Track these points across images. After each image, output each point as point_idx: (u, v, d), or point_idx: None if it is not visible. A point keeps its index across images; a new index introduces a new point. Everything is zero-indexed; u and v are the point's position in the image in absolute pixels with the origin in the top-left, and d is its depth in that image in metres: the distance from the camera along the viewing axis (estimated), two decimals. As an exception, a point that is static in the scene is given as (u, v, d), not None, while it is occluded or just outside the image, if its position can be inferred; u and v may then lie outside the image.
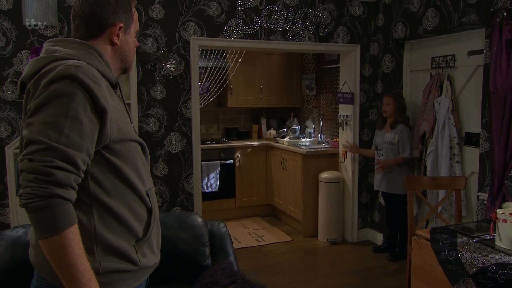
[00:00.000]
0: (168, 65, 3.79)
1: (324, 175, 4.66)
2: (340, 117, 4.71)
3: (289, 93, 5.96)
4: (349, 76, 4.57)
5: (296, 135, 5.42)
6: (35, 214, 1.08)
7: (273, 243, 4.65)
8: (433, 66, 3.93)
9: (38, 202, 1.07)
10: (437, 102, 3.72)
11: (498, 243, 2.23)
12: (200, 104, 4.98)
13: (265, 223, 5.39)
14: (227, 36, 3.94)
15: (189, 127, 3.92)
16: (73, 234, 1.11)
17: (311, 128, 5.57)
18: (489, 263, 2.04)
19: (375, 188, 4.28)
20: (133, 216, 1.29)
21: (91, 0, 1.29)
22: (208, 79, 5.30)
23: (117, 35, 1.33)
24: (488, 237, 2.35)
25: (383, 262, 4.12)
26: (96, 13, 1.29)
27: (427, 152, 3.78)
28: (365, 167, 4.66)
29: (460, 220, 3.16)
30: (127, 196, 1.29)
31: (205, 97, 5.46)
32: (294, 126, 5.53)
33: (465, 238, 2.34)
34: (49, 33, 3.42)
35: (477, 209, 3.39)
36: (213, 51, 5.36)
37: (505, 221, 2.19)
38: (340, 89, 4.72)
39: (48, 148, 1.09)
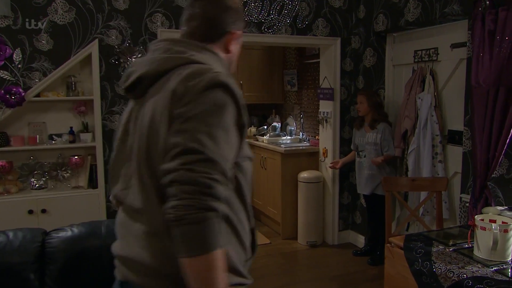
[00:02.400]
0: (133, 59, 3.55)
1: (304, 174, 4.45)
2: (320, 114, 4.50)
3: (270, 89, 5.74)
4: (329, 71, 4.36)
5: (276, 132, 5.20)
6: (192, 227, 0.98)
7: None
8: (416, 60, 3.72)
9: (196, 214, 0.98)
10: (419, 98, 3.51)
11: (476, 252, 2.03)
12: None
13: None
14: (197, 28, 3.71)
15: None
16: (222, 255, 1.03)
17: (292, 126, 5.36)
18: (465, 276, 1.84)
19: (358, 191, 4.07)
20: (244, 235, 1.22)
21: (217, 3, 1.26)
22: None
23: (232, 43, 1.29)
24: (466, 246, 2.15)
25: (363, 266, 3.91)
26: (221, 17, 1.25)
27: (408, 151, 3.57)
28: (346, 166, 4.45)
29: (441, 224, 2.96)
30: (241, 214, 1.21)
31: None
32: (274, 124, 5.31)
33: (441, 247, 2.14)
34: (2, 23, 3.17)
35: (460, 212, 3.20)
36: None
37: (483, 228, 1.98)
38: (320, 84, 4.50)
39: (208, 159, 1.02)
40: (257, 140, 5.28)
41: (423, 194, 3.36)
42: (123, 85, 1.25)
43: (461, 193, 3.17)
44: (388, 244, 2.32)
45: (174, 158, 1.02)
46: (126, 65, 3.53)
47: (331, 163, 4.25)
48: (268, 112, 5.96)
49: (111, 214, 3.55)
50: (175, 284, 1.10)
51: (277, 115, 5.72)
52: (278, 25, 3.99)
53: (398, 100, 3.95)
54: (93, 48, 3.41)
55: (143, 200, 1.14)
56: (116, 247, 1.24)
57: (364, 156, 3.91)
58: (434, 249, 2.10)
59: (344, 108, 4.38)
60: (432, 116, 3.42)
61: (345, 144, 4.41)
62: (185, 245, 1.00)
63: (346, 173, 4.47)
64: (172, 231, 1.01)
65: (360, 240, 4.37)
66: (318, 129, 4.65)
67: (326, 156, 4.47)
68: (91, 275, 1.90)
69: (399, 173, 3.89)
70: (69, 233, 1.96)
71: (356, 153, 4.02)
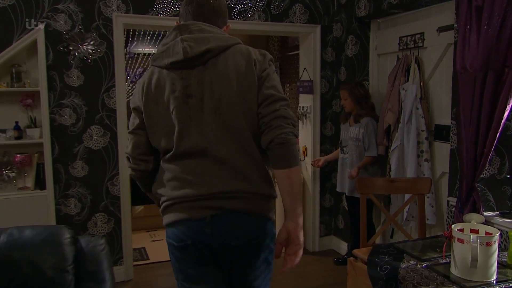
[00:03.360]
0: (85, 47, 3.20)
1: (282, 175, 4.07)
2: (299, 109, 4.12)
3: (253, 84, 5.36)
4: (309, 62, 3.98)
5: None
6: (294, 147, 1.45)
7: None
8: (401, 48, 3.34)
9: (295, 138, 1.45)
10: (403, 89, 3.13)
11: (453, 270, 1.65)
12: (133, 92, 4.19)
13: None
14: (158, 13, 3.35)
15: (113, 119, 3.34)
16: None
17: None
18: (436, 302, 1.46)
19: (338, 189, 3.70)
20: None
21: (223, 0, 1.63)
22: (142, 65, 4.62)
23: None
24: (443, 261, 1.77)
25: (343, 276, 3.52)
26: (225, 11, 1.62)
27: (391, 149, 3.19)
28: (329, 166, 4.07)
29: (423, 232, 2.59)
30: None
31: None
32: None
33: (412, 262, 1.76)
34: None
35: (447, 217, 2.81)
36: (156, 33, 4.77)
37: (461, 241, 1.60)
38: (299, 77, 4.13)
39: (288, 104, 1.50)
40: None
41: (408, 197, 2.98)
42: (176, 58, 1.46)
43: (448, 196, 2.79)
44: (351, 258, 1.95)
45: (273, 102, 1.45)
46: (76, 53, 3.18)
47: (312, 161, 3.88)
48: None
49: (61, 218, 3.20)
50: (268, 200, 1.52)
51: (260, 112, 5.34)
52: (250, 11, 3.62)
53: (384, 92, 3.57)
54: (38, 34, 3.06)
55: (228, 146, 1.45)
56: (202, 189, 1.46)
57: (347, 152, 3.54)
58: (403, 265, 1.72)
59: (325, 102, 4.01)
60: (418, 109, 3.04)
61: (326, 142, 4.03)
62: (289, 160, 1.42)
63: (328, 173, 4.09)
64: (275, 152, 1.43)
65: (343, 247, 3.99)
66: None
67: (306, 155, 4.10)
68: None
69: (382, 174, 3.51)
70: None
71: (340, 148, 3.65)
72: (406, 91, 3.11)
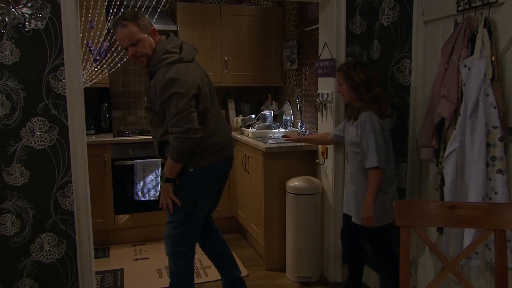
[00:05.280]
0: (20, 10, 2.36)
1: (294, 183, 3.14)
2: (318, 97, 3.17)
3: (265, 68, 4.44)
4: (330, 35, 3.02)
5: (267, 123, 3.91)
6: None
7: (218, 280, 3.18)
8: (461, 8, 2.33)
9: None
10: (465, 66, 2.14)
11: None
12: (96, 75, 3.15)
13: (224, 244, 3.92)
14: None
15: (63, 109, 2.50)
16: None
17: (288, 114, 4.05)
18: None
19: (344, 210, 2.73)
20: None
21: None
22: (111, 40, 3.44)
23: None
24: None
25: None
26: None
27: (446, 154, 2.20)
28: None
29: (504, 282, 1.61)
30: None
31: (105, 64, 3.34)
32: (265, 112, 4.02)
33: None
34: None
35: (536, 261, 1.82)
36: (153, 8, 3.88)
37: None
38: (319, 55, 3.17)
39: None
40: (243, 133, 4.01)
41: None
42: (195, 54, 2.41)
43: (538, 230, 1.80)
44: None
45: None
46: (7, 19, 2.34)
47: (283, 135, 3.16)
48: (265, 98, 4.66)
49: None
50: None
51: (273, 102, 4.41)
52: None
53: (433, 74, 2.58)
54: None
55: None
56: (228, 134, 2.57)
57: (349, 163, 2.63)
58: None
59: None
60: (487, 95, 2.05)
61: (353, 140, 3.07)
62: None
63: (354, 182, 3.13)
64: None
65: (373, 278, 3.04)
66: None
67: (326, 157, 3.15)
68: None
69: (424, 189, 2.53)
70: None
71: (345, 158, 2.73)
72: (469, 69, 2.11)
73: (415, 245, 2.72)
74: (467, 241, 2.07)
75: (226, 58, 4.28)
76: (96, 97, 4.23)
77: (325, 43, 3.05)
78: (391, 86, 2.81)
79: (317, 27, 3.31)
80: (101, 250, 3.78)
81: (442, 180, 2.28)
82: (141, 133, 4.12)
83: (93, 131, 4.06)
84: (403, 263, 1.66)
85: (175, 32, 4.11)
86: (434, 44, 2.60)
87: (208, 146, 2.35)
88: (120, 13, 2.45)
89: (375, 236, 2.59)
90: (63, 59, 2.45)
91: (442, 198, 2.31)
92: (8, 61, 2.38)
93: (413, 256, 2.73)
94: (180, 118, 2.20)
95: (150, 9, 3.42)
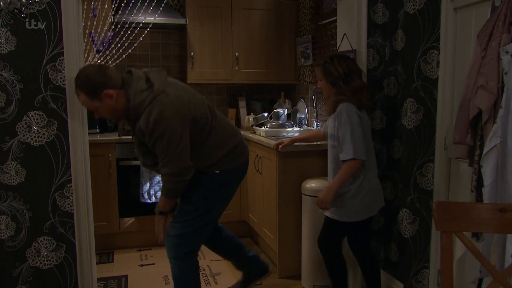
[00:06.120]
0: (15, -6, 2.18)
1: (310, 184, 2.93)
2: (336, 92, 2.95)
3: (278, 65, 4.24)
4: (350, 25, 2.81)
5: (280, 122, 3.70)
6: None
7: (229, 289, 2.96)
8: (498, -9, 2.11)
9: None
10: (506, 52, 1.91)
11: None
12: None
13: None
14: None
15: (63, 102, 2.31)
16: None
17: (302, 112, 3.83)
18: None
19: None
20: None
21: None
22: (115, 30, 3.26)
23: None
24: None
25: None
26: None
27: (485, 151, 1.97)
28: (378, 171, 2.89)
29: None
30: None
31: (109, 56, 3.10)
32: (278, 110, 3.81)
33: None
34: None
35: None
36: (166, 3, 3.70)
37: None
38: (337, 47, 2.96)
39: None
40: (255, 133, 3.80)
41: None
42: (165, 75, 2.21)
43: None
44: None
45: None
46: (2, 4, 2.16)
47: (274, 144, 3.02)
48: (277, 96, 4.46)
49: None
50: None
51: (286, 100, 4.20)
52: None
53: (464, 66, 2.35)
54: None
55: None
56: (239, 136, 2.46)
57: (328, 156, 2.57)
58: None
59: (373, 82, 2.82)
60: (533, 85, 1.82)
61: (374, 138, 2.85)
62: None
63: (376, 183, 2.91)
64: None
65: (397, 288, 2.81)
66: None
67: (345, 157, 2.92)
68: None
69: (455, 191, 2.30)
70: None
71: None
72: (511, 55, 1.88)
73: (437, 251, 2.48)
74: (511, 249, 1.83)
75: (237, 54, 4.08)
76: (101, 95, 4.05)
77: (344, 34, 2.84)
78: (417, 79, 2.59)
79: (334, 20, 3.09)
80: (105, 255, 3.59)
81: (478, 181, 2.05)
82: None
83: (98, 130, 3.87)
84: (444, 277, 1.43)
85: (183, 26, 3.93)
86: (466, 33, 2.38)
87: (230, 150, 2.32)
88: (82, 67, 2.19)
89: (326, 227, 2.53)
90: (62, 48, 2.27)
91: (477, 201, 2.08)
92: (3, 50, 2.20)
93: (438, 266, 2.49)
94: (171, 159, 2.11)
95: (155, 2, 3.22)
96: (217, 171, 2.29)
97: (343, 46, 2.88)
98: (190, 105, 2.15)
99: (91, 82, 2.05)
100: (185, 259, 2.32)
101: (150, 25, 3.38)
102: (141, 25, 3.05)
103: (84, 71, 2.09)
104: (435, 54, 2.49)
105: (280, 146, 2.96)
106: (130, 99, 2.08)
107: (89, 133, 2.45)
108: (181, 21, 3.83)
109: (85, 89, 2.07)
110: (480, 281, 2.08)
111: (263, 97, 4.52)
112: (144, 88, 2.08)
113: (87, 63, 2.64)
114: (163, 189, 2.23)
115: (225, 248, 2.68)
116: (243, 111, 4.30)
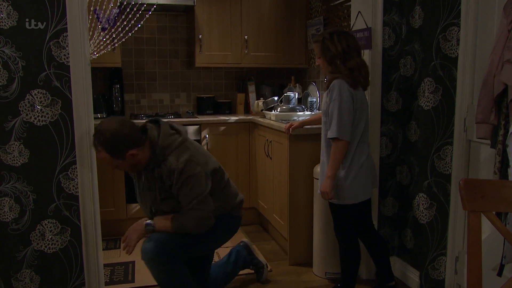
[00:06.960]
0: (17, -33, 2.09)
1: (322, 168, 2.83)
2: (350, 73, 2.84)
3: (289, 48, 4.13)
4: (365, 3, 2.69)
5: (291, 105, 3.59)
6: None
7: (238, 275, 2.87)
8: (525, -40, 1.98)
9: None
10: (536, 24, 1.79)
11: None
12: (104, 45, 2.67)
13: (244, 236, 3.63)
14: None
15: (67, 80, 2.22)
16: None
17: (314, 96, 3.72)
18: None
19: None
20: None
21: None
22: (121, 7, 2.95)
23: None
24: None
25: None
26: None
27: (511, 130, 1.86)
28: (392, 155, 2.79)
29: None
30: None
31: (114, 34, 2.79)
32: (288, 93, 3.71)
33: None
34: None
35: None
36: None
37: None
38: (351, 26, 2.84)
39: None
40: (264, 117, 3.71)
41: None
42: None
43: None
44: None
45: None
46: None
47: (285, 127, 2.94)
48: (287, 80, 4.35)
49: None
50: None
51: (297, 84, 4.09)
52: None
53: (486, 44, 2.23)
54: None
55: None
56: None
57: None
58: None
59: (389, 62, 2.71)
60: None
61: (389, 121, 2.75)
62: None
63: (391, 166, 2.81)
64: None
65: (412, 276, 2.71)
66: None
67: (359, 140, 2.82)
68: None
69: (475, 173, 2.19)
70: None
71: None
72: (541, 27, 1.76)
73: (462, 235, 2.38)
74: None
75: (246, 37, 3.97)
76: (107, 79, 3.98)
77: (359, 12, 2.72)
78: (436, 58, 2.47)
79: (346, 0, 2.96)
80: (112, 241, 3.53)
81: (502, 162, 1.94)
82: (156, 117, 3.85)
83: (105, 115, 3.80)
84: (472, 261, 1.33)
85: (191, 8, 3.83)
86: (489, 8, 2.25)
87: (240, 201, 2.40)
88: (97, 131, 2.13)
89: (333, 215, 2.50)
90: (66, 23, 2.17)
91: (501, 183, 1.97)
92: (5, 25, 2.12)
93: (458, 251, 2.39)
94: (200, 201, 2.11)
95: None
96: (229, 212, 2.34)
97: (357, 24, 2.76)
98: (209, 159, 2.28)
99: (116, 142, 2.07)
100: (164, 262, 2.17)
101: (155, 6, 3.23)
102: (145, 6, 2.93)
103: (108, 129, 2.07)
104: (455, 31, 2.37)
105: (291, 129, 2.87)
106: (157, 142, 2.11)
107: (94, 118, 2.36)
108: (189, 2, 3.72)
109: (109, 149, 2.08)
110: (502, 267, 1.97)
111: (273, 82, 4.42)
112: (172, 133, 2.16)
113: (91, 41, 2.54)
114: (180, 223, 2.14)
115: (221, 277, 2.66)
116: (252, 96, 4.20)
